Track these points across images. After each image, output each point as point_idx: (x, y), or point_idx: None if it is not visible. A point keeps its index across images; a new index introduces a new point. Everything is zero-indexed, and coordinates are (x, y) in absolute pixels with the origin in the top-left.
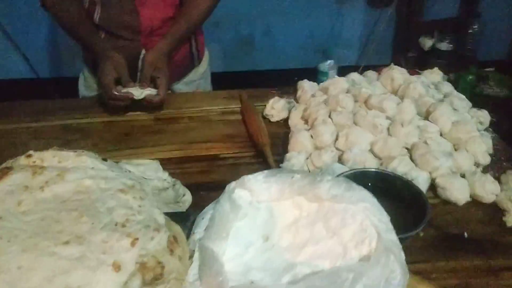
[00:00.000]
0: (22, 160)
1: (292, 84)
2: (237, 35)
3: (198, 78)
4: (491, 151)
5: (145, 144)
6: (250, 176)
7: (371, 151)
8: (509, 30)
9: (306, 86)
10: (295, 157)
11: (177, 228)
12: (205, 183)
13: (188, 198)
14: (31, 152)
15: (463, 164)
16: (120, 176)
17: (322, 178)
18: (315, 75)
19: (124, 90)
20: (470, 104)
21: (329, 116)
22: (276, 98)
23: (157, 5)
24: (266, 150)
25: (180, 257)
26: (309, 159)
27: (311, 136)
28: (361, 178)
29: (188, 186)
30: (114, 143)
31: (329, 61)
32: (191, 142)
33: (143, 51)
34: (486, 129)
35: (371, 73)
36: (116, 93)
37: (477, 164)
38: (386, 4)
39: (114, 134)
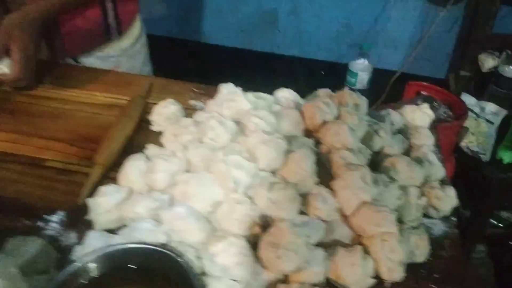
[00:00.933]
0: None
1: (313, 77)
2: (258, 9)
3: (118, 54)
4: (423, 258)
5: None
6: None
7: (209, 218)
8: None
9: (224, 92)
10: (105, 196)
11: None
12: None
13: None
14: None
15: (347, 275)
16: None
17: None
18: (345, 73)
19: None
20: (441, 171)
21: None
22: (169, 101)
23: None
24: (93, 172)
25: None
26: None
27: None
28: (124, 256)
29: None
30: None
31: (362, 60)
32: (34, 134)
33: None
34: (447, 219)
35: (324, 93)
36: None
37: (375, 276)
38: (455, 2)
39: None
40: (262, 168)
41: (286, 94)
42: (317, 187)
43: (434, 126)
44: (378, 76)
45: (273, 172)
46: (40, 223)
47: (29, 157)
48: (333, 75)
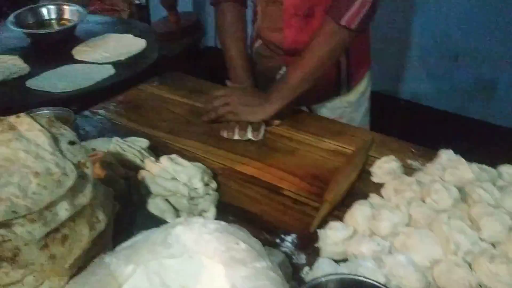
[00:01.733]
0: (12, 117)
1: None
2: (477, 76)
3: (344, 106)
4: None
5: (241, 153)
6: (201, 220)
7: (425, 271)
8: None
9: (444, 157)
10: (334, 230)
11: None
12: (243, 210)
13: (210, 216)
14: (21, 114)
15: None
16: (52, 160)
17: (260, 264)
18: None
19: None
20: None
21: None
22: (390, 157)
23: (302, 29)
24: (323, 207)
25: (54, 255)
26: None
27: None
28: (354, 285)
29: (225, 206)
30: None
31: None
32: (274, 166)
33: (284, 68)
34: None
35: None
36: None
37: None
38: None
39: None
40: (483, 238)
41: (510, 171)
42: None
43: None
44: None
45: (493, 245)
46: (277, 240)
47: (270, 184)
48: None
